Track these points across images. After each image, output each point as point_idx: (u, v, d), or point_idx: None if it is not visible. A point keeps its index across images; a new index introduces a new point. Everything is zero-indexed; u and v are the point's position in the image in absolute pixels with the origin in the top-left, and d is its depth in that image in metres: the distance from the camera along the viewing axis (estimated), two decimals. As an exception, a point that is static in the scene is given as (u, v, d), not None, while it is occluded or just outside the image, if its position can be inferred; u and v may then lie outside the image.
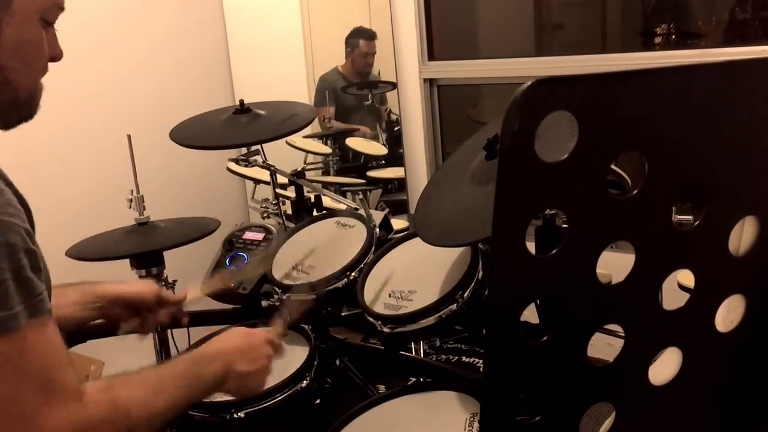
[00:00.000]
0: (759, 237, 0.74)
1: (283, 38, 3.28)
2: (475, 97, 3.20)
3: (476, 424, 1.32)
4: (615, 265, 0.77)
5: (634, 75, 0.62)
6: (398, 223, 2.24)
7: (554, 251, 0.63)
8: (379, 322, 1.52)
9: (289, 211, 2.26)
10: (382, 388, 1.71)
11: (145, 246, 1.99)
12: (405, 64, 2.93)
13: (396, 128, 3.05)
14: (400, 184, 3.08)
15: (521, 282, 0.63)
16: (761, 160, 0.73)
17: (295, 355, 1.67)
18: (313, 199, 2.18)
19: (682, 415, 0.80)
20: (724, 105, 0.69)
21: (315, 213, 2.11)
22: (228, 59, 3.30)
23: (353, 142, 3.21)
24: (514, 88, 0.57)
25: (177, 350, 2.05)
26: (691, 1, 2.58)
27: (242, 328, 1.27)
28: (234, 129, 2.10)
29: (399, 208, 2.98)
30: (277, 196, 2.26)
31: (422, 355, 1.73)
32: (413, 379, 1.59)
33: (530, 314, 0.79)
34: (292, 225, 2.08)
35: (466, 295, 1.47)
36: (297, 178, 2.11)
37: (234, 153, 2.44)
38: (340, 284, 1.68)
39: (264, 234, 2.13)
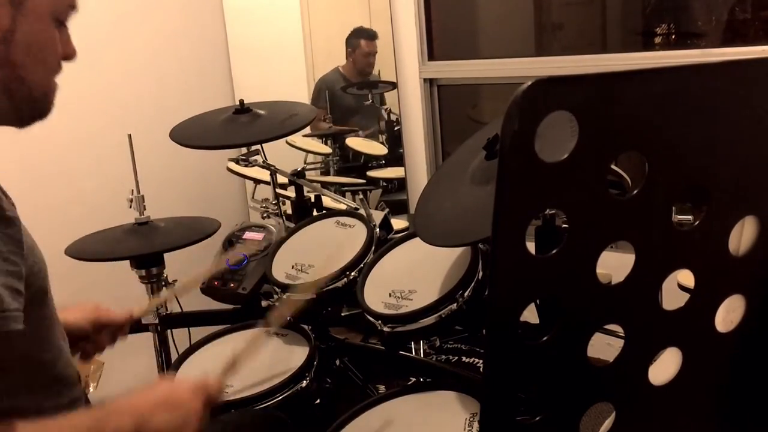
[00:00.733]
0: (759, 237, 0.74)
1: (283, 38, 3.28)
2: (475, 97, 3.20)
3: (476, 424, 1.32)
4: (615, 265, 0.77)
5: (634, 75, 0.62)
6: (398, 223, 2.24)
7: (554, 251, 0.63)
8: (379, 322, 1.52)
9: (289, 211, 2.27)
10: (382, 388, 1.71)
11: (145, 247, 1.99)
12: (405, 64, 2.93)
13: (396, 128, 3.05)
14: (400, 184, 3.08)
15: (521, 282, 0.63)
16: (761, 160, 0.73)
17: (295, 355, 1.67)
18: (313, 199, 2.18)
19: (682, 415, 0.80)
20: (724, 105, 0.69)
21: (315, 213, 2.12)
22: (228, 59, 3.30)
23: (353, 142, 3.21)
24: (514, 88, 0.57)
25: (177, 351, 2.05)
26: (691, 1, 2.58)
27: (168, 381, 1.16)
28: (234, 129, 2.10)
29: (399, 208, 2.98)
30: (277, 196, 2.26)
31: (422, 355, 1.73)
32: (413, 379, 1.59)
33: (530, 314, 0.79)
34: (292, 225, 2.08)
35: (466, 294, 1.47)
36: (297, 178, 2.11)
37: (234, 153, 2.44)
38: (340, 284, 1.68)
39: (264, 234, 2.13)
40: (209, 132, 2.13)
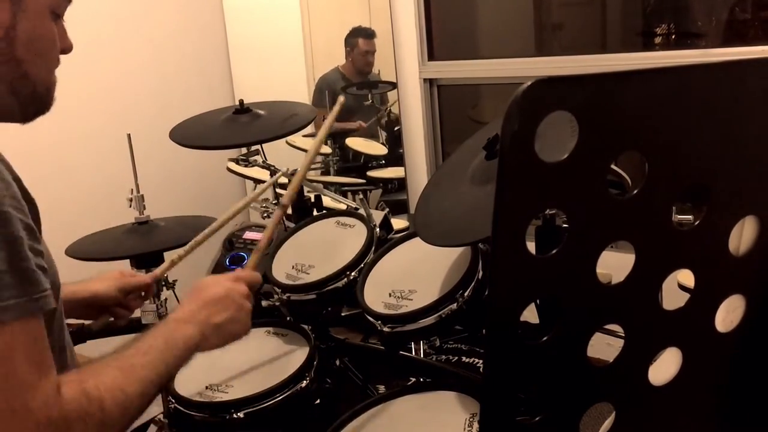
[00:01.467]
0: (759, 237, 0.74)
1: (283, 38, 3.28)
2: (475, 97, 3.20)
3: (476, 424, 1.32)
4: (615, 265, 0.77)
5: (634, 75, 0.62)
6: (398, 223, 2.24)
7: (554, 251, 0.63)
8: (379, 322, 1.52)
9: (289, 211, 2.26)
10: (382, 388, 1.71)
11: (145, 246, 1.99)
12: (405, 64, 2.93)
13: (396, 128, 3.05)
14: (400, 184, 3.08)
15: (521, 282, 0.63)
16: (761, 160, 0.73)
17: (295, 355, 1.67)
18: (313, 199, 2.18)
19: (682, 415, 0.80)
20: (724, 105, 0.69)
21: (315, 213, 2.11)
22: (228, 59, 3.30)
23: (353, 142, 3.21)
24: (514, 88, 0.57)
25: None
26: (691, 1, 2.58)
27: (208, 278, 1.23)
28: (234, 129, 2.10)
29: (399, 208, 2.98)
30: (277, 196, 2.26)
31: (422, 355, 1.73)
32: (413, 379, 1.59)
33: (530, 314, 0.79)
34: (292, 225, 2.08)
35: (466, 294, 1.47)
36: (297, 178, 2.11)
37: (234, 153, 2.44)
38: (340, 284, 1.68)
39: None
40: (209, 132, 2.13)
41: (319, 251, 1.83)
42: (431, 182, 1.71)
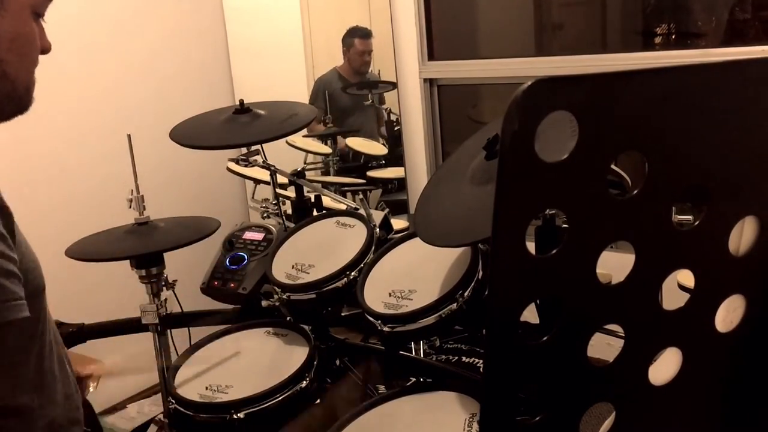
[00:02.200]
0: (759, 237, 0.74)
1: (283, 38, 3.28)
2: (475, 97, 3.20)
3: (476, 425, 1.32)
4: (615, 265, 0.77)
5: (634, 75, 0.62)
6: (398, 223, 2.24)
7: (554, 251, 0.63)
8: (379, 322, 1.52)
9: (289, 211, 2.27)
10: (382, 388, 1.71)
11: (145, 246, 1.99)
12: (405, 64, 2.93)
13: (396, 128, 3.05)
14: (400, 184, 3.08)
15: (521, 282, 0.63)
16: (761, 160, 0.73)
17: (295, 355, 1.67)
18: (313, 199, 2.18)
19: (682, 415, 0.80)
20: (724, 105, 0.69)
21: (315, 213, 2.12)
22: (228, 59, 3.30)
23: (353, 142, 3.21)
24: (514, 88, 0.56)
25: (177, 351, 2.05)
26: (691, 1, 2.58)
27: None
28: (234, 129, 2.10)
29: (399, 208, 2.98)
30: (277, 196, 2.26)
31: (422, 355, 1.73)
32: (413, 379, 1.59)
33: (530, 314, 0.79)
34: (292, 225, 2.08)
35: (466, 294, 1.47)
36: (297, 178, 2.11)
37: (234, 153, 2.44)
38: (340, 284, 1.68)
39: (264, 234, 2.14)
40: (209, 132, 2.13)
41: (319, 251, 1.83)
42: (431, 182, 1.71)
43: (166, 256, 2.04)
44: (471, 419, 1.34)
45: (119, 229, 2.10)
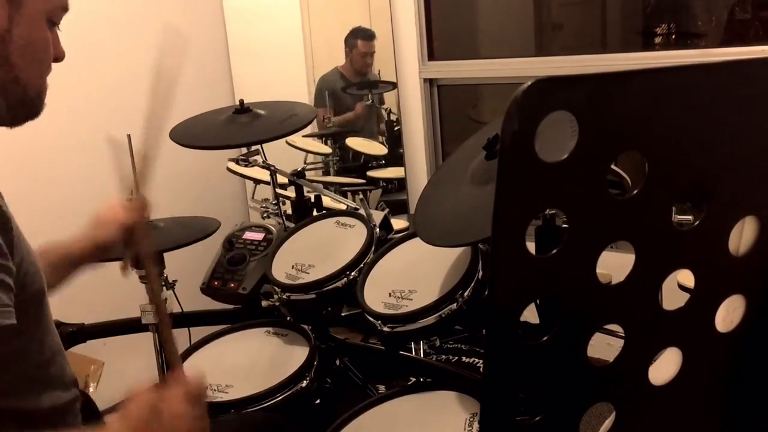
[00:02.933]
0: (759, 237, 0.74)
1: (283, 38, 3.28)
2: (475, 97, 3.20)
3: (476, 424, 1.32)
4: (615, 265, 0.77)
5: (634, 75, 0.62)
6: (398, 223, 2.24)
7: (554, 251, 0.63)
8: (379, 322, 1.52)
9: (289, 211, 2.27)
10: (382, 388, 1.71)
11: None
12: (405, 64, 2.93)
13: (396, 128, 3.05)
14: (400, 184, 3.08)
15: (521, 282, 0.63)
16: (761, 160, 0.73)
17: (295, 355, 1.67)
18: (313, 199, 2.18)
19: (682, 415, 0.80)
20: (724, 105, 0.69)
21: (315, 213, 2.12)
22: (228, 59, 3.30)
23: (353, 142, 3.21)
24: (514, 88, 0.56)
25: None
26: (691, 1, 2.58)
27: (149, 392, 1.04)
28: (234, 129, 2.10)
29: (399, 208, 2.98)
30: (277, 196, 2.26)
31: (422, 355, 1.73)
32: (413, 379, 1.59)
33: (530, 314, 0.79)
34: (292, 225, 2.08)
35: (466, 294, 1.47)
36: (297, 178, 2.11)
37: (234, 153, 2.44)
38: (340, 284, 1.68)
39: (264, 234, 2.14)
40: (209, 132, 2.13)
41: (319, 251, 1.84)
42: (431, 182, 1.71)
43: (166, 256, 2.04)
44: (471, 419, 1.34)
45: (119, 229, 2.10)
